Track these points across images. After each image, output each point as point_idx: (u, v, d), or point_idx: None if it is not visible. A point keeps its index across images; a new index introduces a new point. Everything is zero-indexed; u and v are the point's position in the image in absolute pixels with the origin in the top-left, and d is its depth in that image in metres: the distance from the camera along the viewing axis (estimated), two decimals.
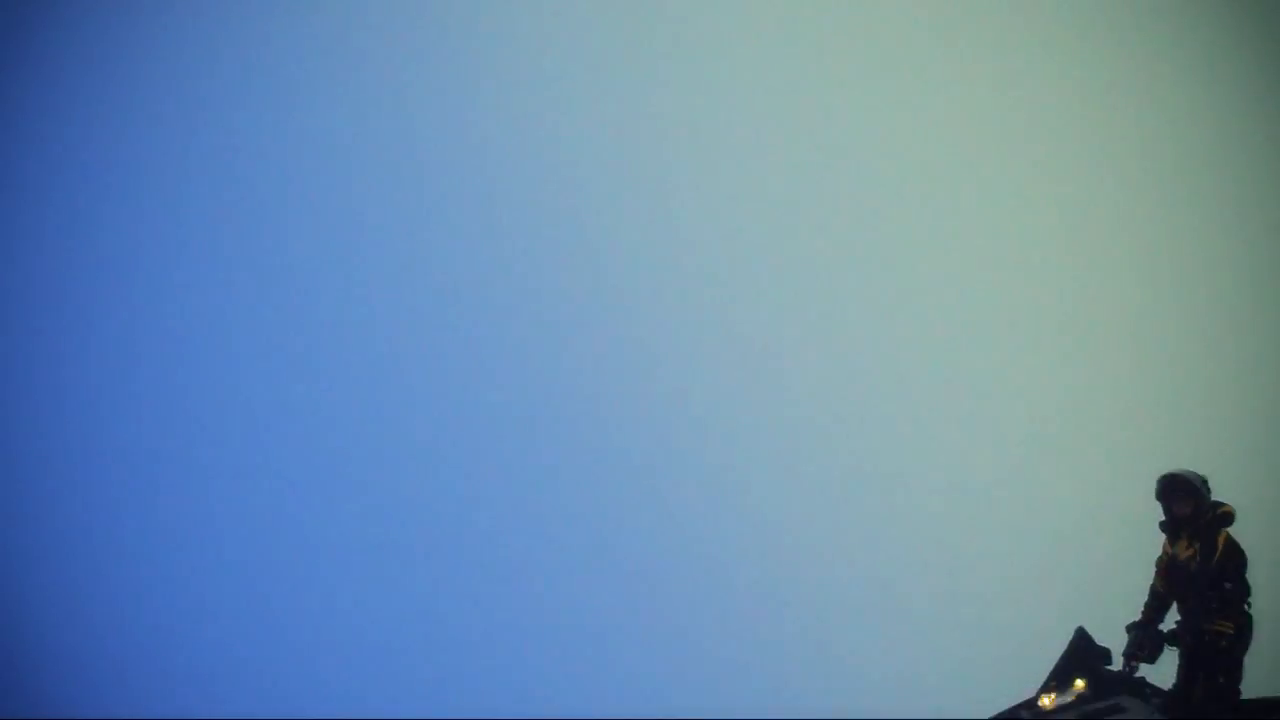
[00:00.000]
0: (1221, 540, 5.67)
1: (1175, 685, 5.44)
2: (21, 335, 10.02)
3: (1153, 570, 5.88)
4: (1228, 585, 5.54)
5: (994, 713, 4.21)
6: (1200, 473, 5.80)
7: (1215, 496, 5.73)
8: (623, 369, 10.15)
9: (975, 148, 14.40)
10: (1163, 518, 5.78)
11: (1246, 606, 5.58)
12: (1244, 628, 5.53)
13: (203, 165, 14.96)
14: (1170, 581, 5.74)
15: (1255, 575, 4.90)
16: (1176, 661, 5.56)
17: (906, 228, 13.60)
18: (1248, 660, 4.64)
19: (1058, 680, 5.62)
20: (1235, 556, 5.64)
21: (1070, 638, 5.58)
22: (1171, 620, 5.74)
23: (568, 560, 5.55)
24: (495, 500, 7.00)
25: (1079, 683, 5.54)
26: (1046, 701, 5.36)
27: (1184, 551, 5.76)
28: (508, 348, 10.55)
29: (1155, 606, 5.68)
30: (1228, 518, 5.71)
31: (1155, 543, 5.88)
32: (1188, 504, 5.67)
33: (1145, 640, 5.65)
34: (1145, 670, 5.71)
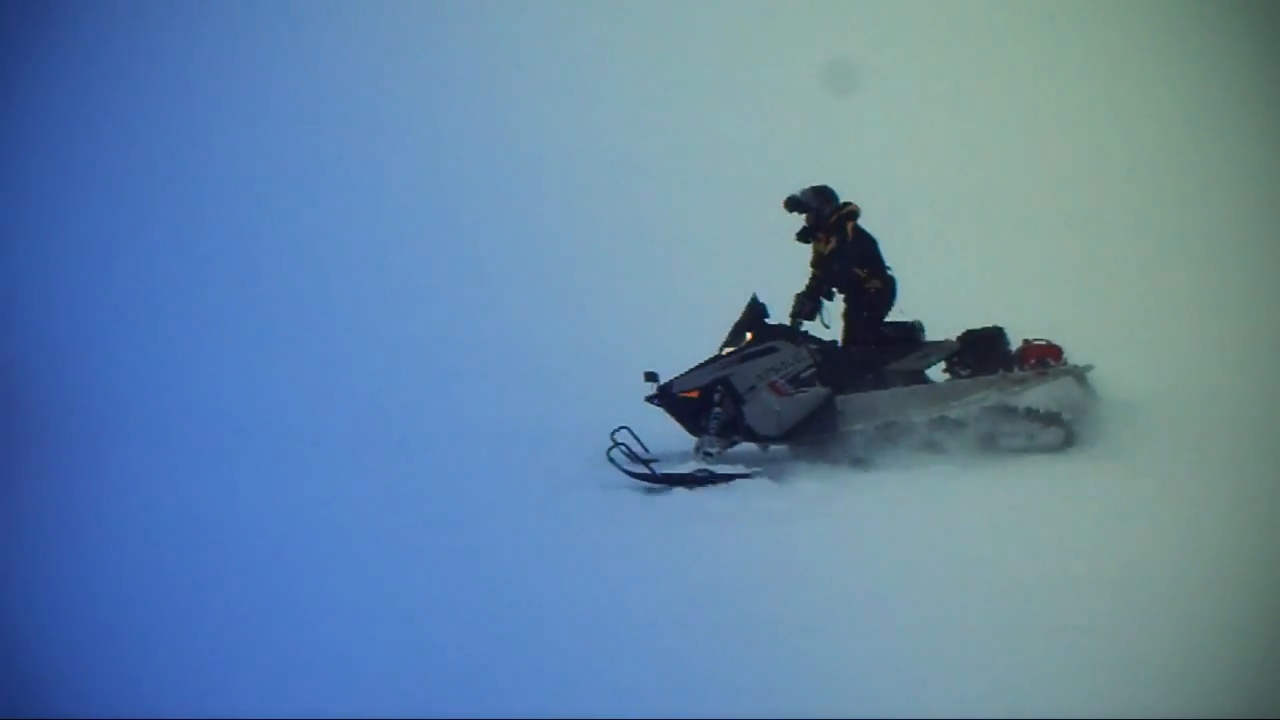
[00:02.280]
0: (850, 229, 6.97)
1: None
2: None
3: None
4: (859, 269, 6.89)
5: None
6: (822, 185, 7.12)
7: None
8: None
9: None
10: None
11: (887, 270, 6.96)
12: (889, 283, 6.96)
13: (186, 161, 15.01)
14: (823, 271, 6.99)
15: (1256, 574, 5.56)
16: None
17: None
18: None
19: (732, 336, 6.82)
20: (862, 239, 6.94)
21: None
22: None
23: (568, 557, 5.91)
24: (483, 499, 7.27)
25: (748, 335, 6.76)
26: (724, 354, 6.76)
27: (825, 247, 7.01)
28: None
29: (814, 286, 6.96)
30: (852, 214, 7.00)
31: None
32: (808, 215, 7.04)
33: (806, 302, 6.87)
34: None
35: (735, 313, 7.05)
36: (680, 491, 6.24)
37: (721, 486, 6.20)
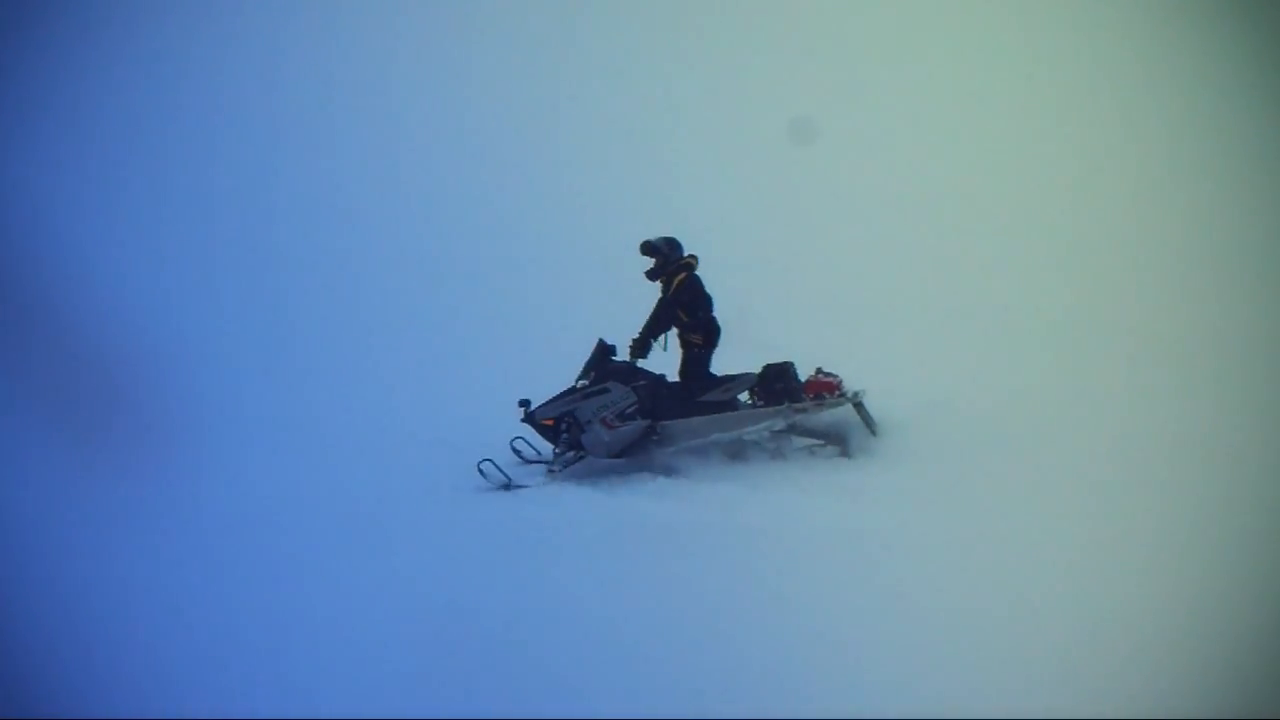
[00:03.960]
0: (676, 281, 8.34)
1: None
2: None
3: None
4: (682, 313, 8.32)
5: None
6: (671, 237, 8.55)
7: None
8: None
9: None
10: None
11: (710, 321, 8.36)
12: (708, 334, 8.41)
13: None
14: (652, 315, 8.45)
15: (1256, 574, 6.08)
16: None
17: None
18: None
19: (583, 372, 8.43)
20: (687, 293, 8.34)
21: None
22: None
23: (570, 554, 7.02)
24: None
25: (591, 375, 8.39)
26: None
27: (663, 291, 8.48)
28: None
29: (645, 328, 8.42)
30: (686, 267, 8.41)
31: None
32: (656, 259, 8.46)
33: (638, 343, 8.36)
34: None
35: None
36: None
37: (550, 492, 8.02)
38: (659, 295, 8.65)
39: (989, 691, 5.10)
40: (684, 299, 8.51)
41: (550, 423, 8.46)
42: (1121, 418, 8.80)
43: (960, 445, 8.13)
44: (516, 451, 8.73)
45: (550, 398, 8.52)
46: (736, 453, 8.33)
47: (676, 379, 8.66)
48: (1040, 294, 12.41)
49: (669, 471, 8.27)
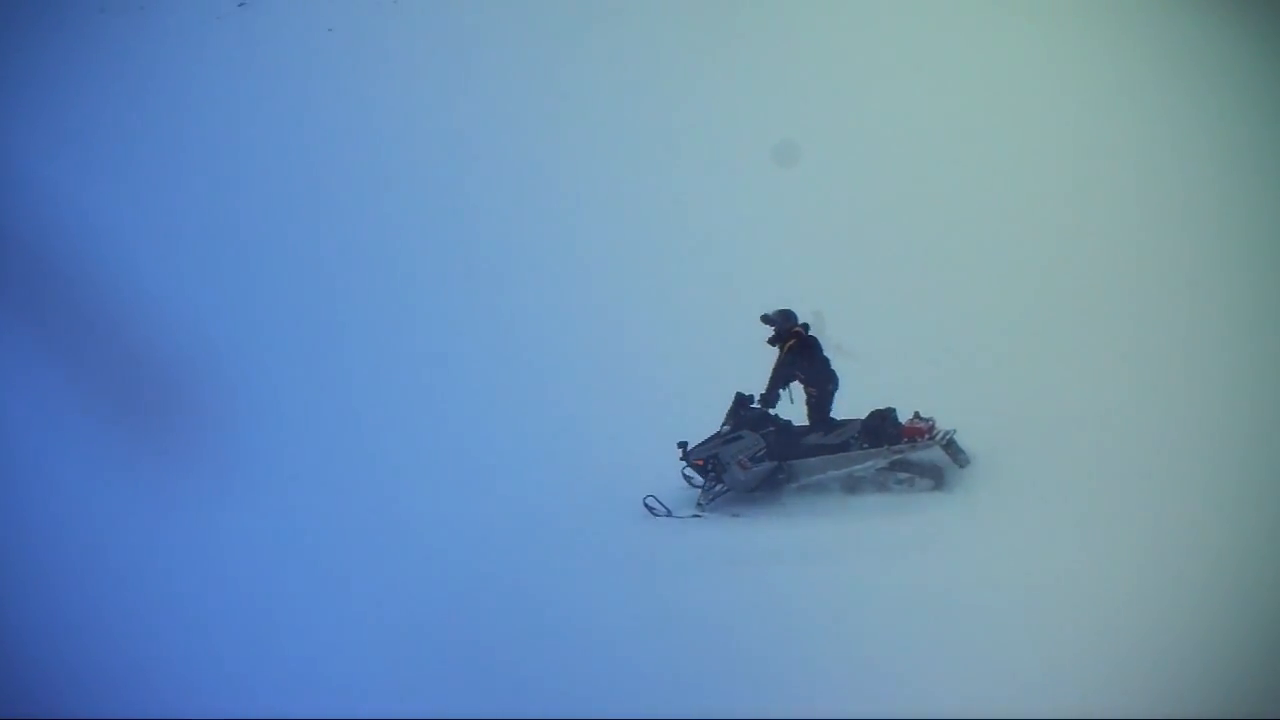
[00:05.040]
0: (786, 345, 10.41)
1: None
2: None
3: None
4: (798, 372, 10.39)
5: None
6: (786, 309, 10.61)
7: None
8: None
9: None
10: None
11: (829, 375, 10.43)
12: (823, 388, 10.48)
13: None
14: (773, 375, 10.43)
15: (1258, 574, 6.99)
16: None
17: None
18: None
19: (726, 418, 10.53)
20: (798, 357, 10.42)
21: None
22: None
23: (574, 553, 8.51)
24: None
25: (731, 422, 10.47)
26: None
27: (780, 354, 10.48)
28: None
29: (769, 384, 10.45)
30: (794, 335, 10.47)
31: None
32: (775, 328, 10.55)
33: (766, 396, 10.41)
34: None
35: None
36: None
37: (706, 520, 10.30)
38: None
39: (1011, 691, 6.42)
40: (794, 360, 10.58)
41: (700, 463, 10.70)
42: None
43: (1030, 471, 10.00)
44: (649, 508, 10.54)
45: (700, 442, 10.72)
46: (851, 486, 10.37)
47: (804, 423, 10.70)
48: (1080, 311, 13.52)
49: (796, 502, 10.41)
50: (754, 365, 10.84)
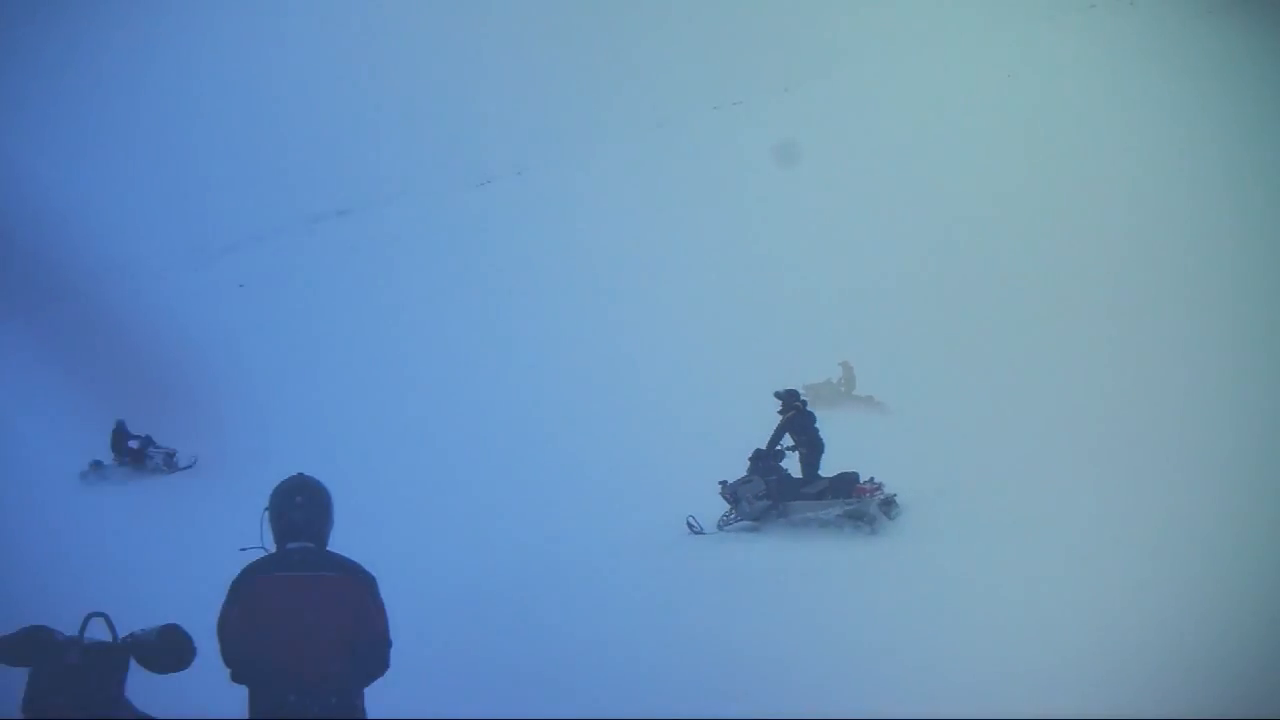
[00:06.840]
0: (783, 421, 14.19)
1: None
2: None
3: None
4: (794, 435, 14.22)
5: None
6: (792, 389, 14.57)
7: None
8: None
9: None
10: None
11: (815, 439, 14.09)
12: (811, 450, 14.14)
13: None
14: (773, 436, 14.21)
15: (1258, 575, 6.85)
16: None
17: None
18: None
19: (750, 461, 14.18)
20: (791, 425, 14.29)
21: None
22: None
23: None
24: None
25: (749, 467, 14.31)
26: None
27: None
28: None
29: (771, 442, 14.25)
30: (794, 408, 14.25)
31: None
32: (779, 402, 14.49)
33: (768, 453, 14.08)
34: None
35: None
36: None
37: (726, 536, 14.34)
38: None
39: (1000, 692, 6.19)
40: (789, 426, 14.90)
41: (729, 496, 15.07)
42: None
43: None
44: (690, 525, 14.80)
45: (735, 480, 14.92)
46: (822, 524, 14.21)
47: (798, 475, 14.93)
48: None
49: (783, 531, 14.17)
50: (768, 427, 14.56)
